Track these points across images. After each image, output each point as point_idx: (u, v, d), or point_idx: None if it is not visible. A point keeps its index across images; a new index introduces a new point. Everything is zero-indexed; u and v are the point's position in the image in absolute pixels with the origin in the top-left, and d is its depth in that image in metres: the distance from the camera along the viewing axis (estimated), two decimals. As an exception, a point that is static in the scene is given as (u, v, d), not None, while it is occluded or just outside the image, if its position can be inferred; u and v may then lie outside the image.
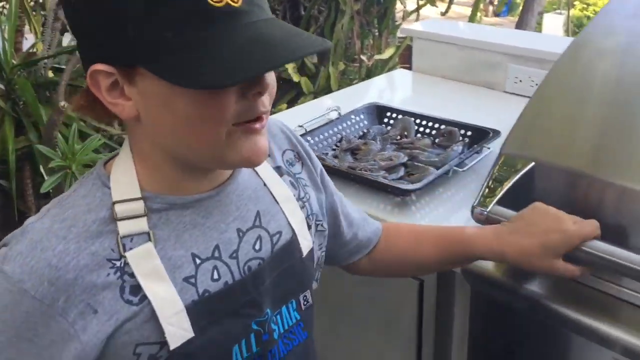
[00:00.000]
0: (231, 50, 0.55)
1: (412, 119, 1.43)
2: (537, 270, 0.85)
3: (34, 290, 0.58)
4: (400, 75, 1.99)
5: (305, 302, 0.76)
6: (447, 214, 1.14)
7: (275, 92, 0.64)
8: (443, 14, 4.50)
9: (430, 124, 1.41)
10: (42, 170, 2.34)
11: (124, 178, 0.65)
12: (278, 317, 0.73)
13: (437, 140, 1.38)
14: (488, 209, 0.91)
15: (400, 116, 1.46)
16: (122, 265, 0.62)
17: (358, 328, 1.33)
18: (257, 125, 0.61)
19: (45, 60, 2.66)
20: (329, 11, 4.19)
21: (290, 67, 3.75)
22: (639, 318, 0.87)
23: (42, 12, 3.11)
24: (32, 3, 3.13)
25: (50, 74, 2.78)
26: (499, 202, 0.91)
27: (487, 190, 0.93)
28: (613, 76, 0.96)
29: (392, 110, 1.48)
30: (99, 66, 0.59)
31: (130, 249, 0.62)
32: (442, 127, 1.39)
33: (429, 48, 1.86)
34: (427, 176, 1.18)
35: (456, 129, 1.36)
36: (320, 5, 4.24)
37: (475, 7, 4.30)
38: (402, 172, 1.25)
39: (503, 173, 0.93)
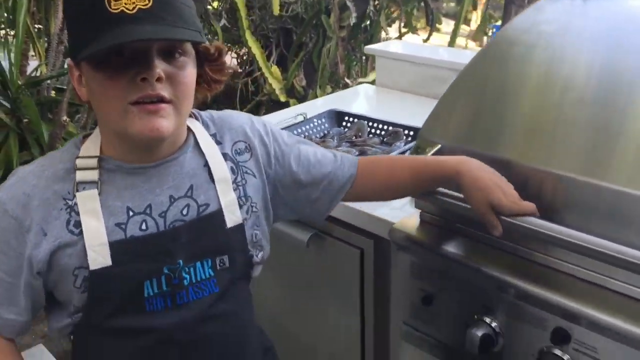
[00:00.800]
0: (103, 39, 0.74)
1: (366, 122, 1.66)
2: (473, 205, 0.98)
3: (11, 210, 0.83)
4: (365, 89, 2.23)
5: (221, 264, 0.92)
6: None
7: (184, 88, 0.82)
8: (425, 41, 4.77)
9: (380, 126, 1.64)
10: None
11: (91, 143, 0.88)
12: (191, 269, 0.89)
13: (385, 139, 1.60)
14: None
15: (355, 120, 1.69)
16: (73, 204, 0.84)
17: (308, 294, 1.53)
18: (150, 107, 0.78)
19: (48, 81, 2.89)
20: (317, 38, 4.48)
21: (278, 89, 4.02)
22: (509, 262, 1.08)
23: (45, 39, 3.36)
24: (36, 30, 3.39)
25: (53, 94, 3.01)
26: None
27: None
28: (508, 77, 1.19)
29: (349, 114, 1.71)
30: (68, 61, 0.84)
31: (81, 191, 0.85)
32: (390, 128, 1.62)
33: (389, 65, 2.10)
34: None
35: (401, 129, 1.59)
36: (310, 33, 4.54)
37: (453, 35, 4.57)
38: (352, 164, 1.47)
39: (418, 154, 1.16)
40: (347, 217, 1.33)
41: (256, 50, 3.81)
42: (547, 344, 1.04)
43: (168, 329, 0.88)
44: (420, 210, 1.21)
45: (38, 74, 3.13)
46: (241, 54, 4.82)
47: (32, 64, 3.24)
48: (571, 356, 1.01)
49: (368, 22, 4.60)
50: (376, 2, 4.53)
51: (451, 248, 1.15)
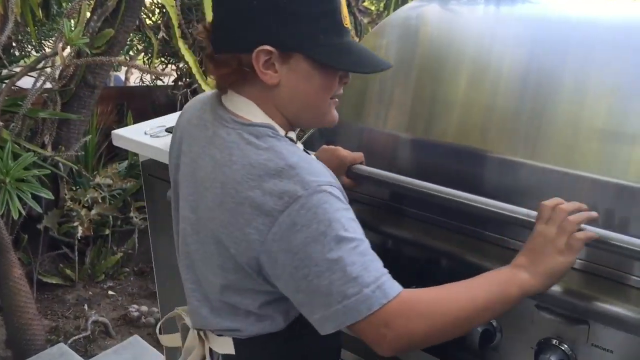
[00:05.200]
0: (357, 53, 1.00)
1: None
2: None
3: (334, 190, 0.94)
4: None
5: None
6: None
7: None
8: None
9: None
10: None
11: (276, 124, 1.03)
12: None
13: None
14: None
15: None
16: None
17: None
18: (337, 100, 1.05)
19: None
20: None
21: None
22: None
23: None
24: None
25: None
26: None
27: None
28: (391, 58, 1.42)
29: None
30: (266, 47, 0.95)
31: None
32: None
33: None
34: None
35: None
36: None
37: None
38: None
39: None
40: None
41: (189, 58, 3.88)
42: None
43: None
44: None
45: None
46: (180, 66, 4.92)
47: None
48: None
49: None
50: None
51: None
